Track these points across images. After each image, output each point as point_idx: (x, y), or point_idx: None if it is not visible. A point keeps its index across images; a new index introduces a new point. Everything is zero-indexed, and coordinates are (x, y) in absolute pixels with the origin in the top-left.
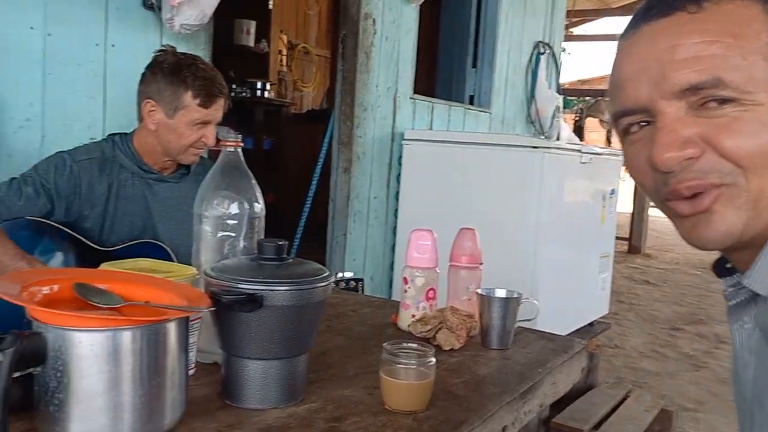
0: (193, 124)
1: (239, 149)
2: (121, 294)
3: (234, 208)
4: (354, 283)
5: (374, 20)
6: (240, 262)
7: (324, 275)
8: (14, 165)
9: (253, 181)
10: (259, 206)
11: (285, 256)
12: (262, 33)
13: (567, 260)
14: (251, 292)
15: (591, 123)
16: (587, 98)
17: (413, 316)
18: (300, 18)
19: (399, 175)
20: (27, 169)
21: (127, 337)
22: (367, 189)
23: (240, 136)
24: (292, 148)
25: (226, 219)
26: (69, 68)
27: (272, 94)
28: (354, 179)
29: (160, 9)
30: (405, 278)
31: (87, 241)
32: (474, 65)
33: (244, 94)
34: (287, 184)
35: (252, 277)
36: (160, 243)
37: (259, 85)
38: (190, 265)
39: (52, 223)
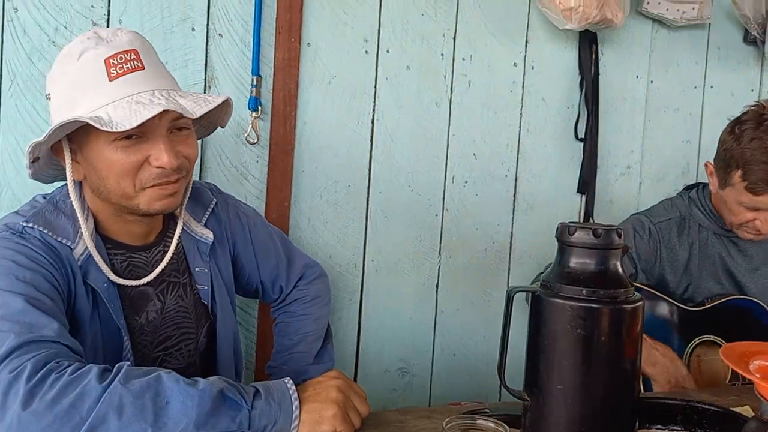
0: (741, 204)
1: None
2: None
3: None
4: None
5: None
6: None
7: None
8: (614, 212)
9: None
10: None
11: None
12: None
13: None
14: None
15: None
16: None
17: None
18: None
19: None
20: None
21: None
22: None
23: None
24: None
25: None
26: (667, 113)
27: None
28: None
29: (763, 43)
30: None
31: (674, 302)
32: None
33: None
34: None
35: None
36: (750, 298)
37: None
38: None
39: (636, 284)
